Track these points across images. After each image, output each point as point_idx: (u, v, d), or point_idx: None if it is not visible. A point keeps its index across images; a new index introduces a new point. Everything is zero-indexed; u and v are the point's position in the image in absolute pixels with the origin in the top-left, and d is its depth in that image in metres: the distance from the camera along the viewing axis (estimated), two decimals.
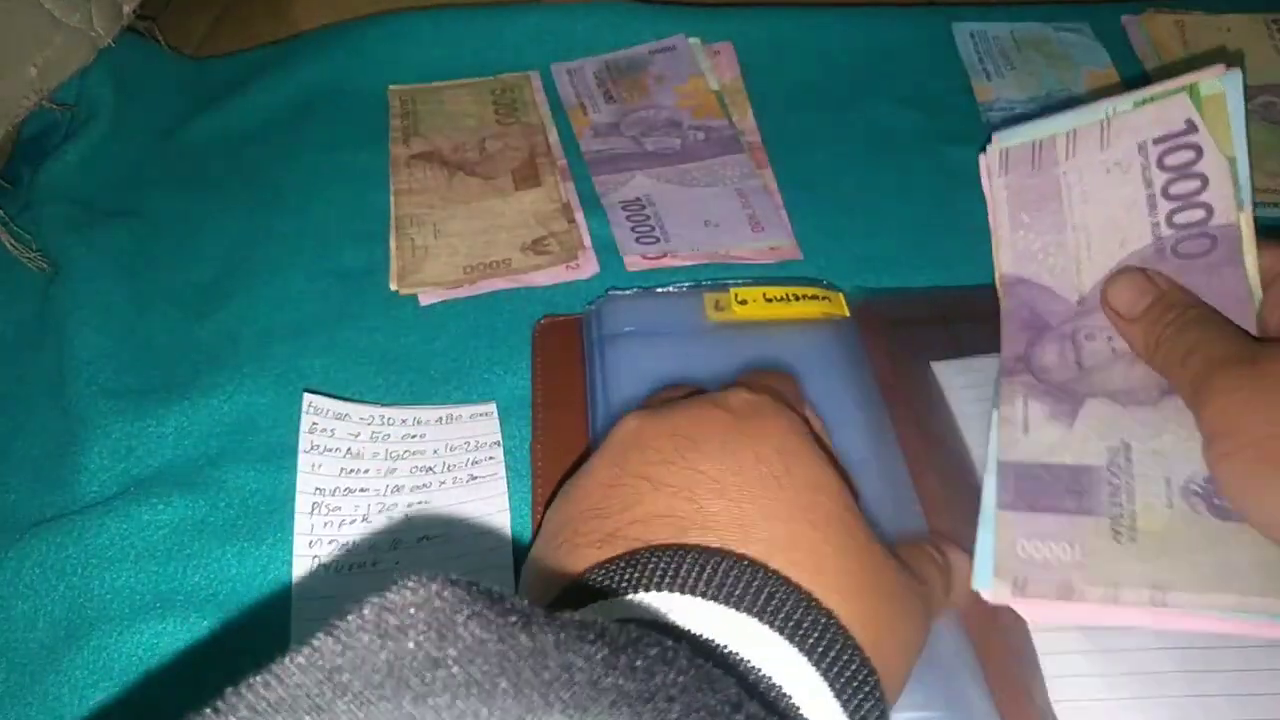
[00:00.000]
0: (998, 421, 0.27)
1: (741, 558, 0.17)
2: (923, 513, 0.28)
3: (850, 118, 0.44)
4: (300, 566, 0.28)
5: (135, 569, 0.29)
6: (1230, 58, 0.46)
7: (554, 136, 0.44)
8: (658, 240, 0.38)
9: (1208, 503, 0.23)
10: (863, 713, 0.17)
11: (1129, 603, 0.23)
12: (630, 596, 0.17)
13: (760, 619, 0.16)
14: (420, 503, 0.30)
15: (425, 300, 0.37)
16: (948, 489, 0.28)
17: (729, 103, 0.45)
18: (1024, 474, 0.25)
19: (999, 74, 0.46)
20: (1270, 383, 0.23)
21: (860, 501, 0.23)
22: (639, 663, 0.13)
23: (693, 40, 0.47)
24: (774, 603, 0.17)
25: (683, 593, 0.16)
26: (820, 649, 0.17)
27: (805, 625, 0.17)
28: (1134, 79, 0.46)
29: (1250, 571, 0.22)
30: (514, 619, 0.12)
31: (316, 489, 0.29)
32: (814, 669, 0.16)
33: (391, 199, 0.41)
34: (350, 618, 0.12)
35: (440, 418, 0.32)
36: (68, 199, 0.39)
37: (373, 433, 0.31)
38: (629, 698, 0.12)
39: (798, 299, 0.33)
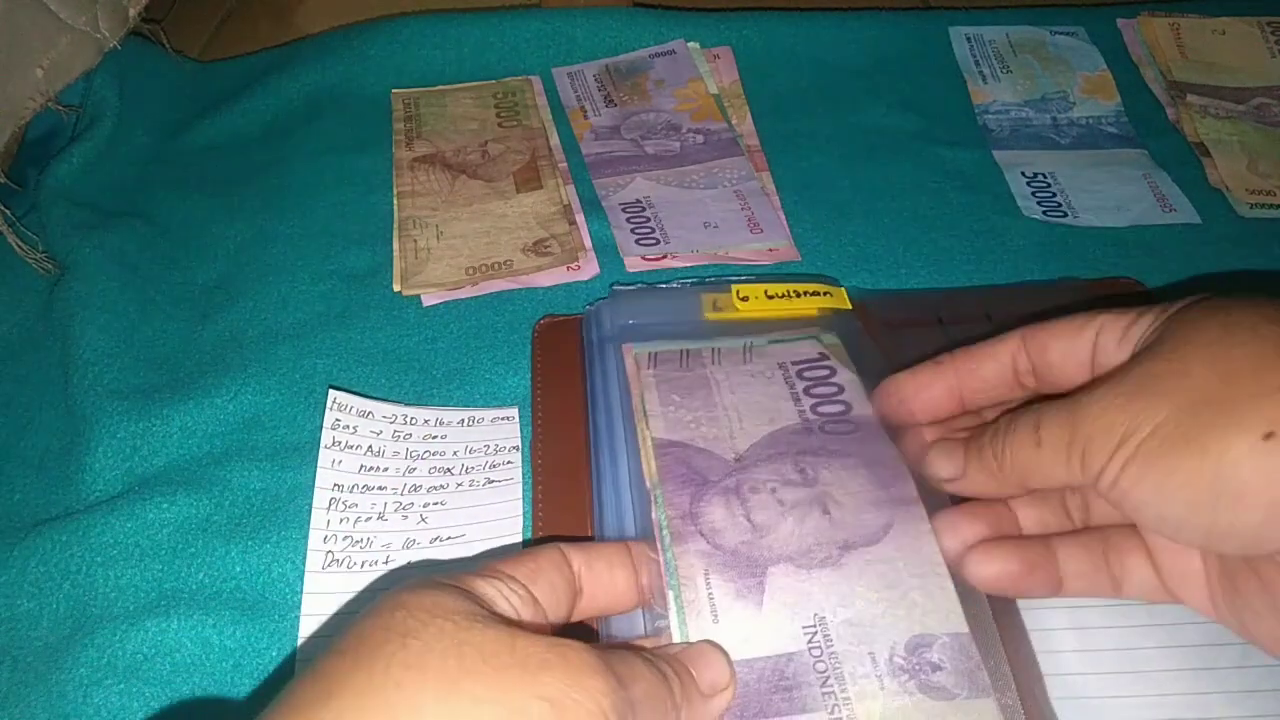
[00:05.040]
0: (680, 608, 0.23)
1: None
2: (922, 506, 0.28)
3: (848, 121, 0.45)
4: (314, 562, 0.28)
5: (140, 567, 0.29)
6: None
7: (555, 139, 0.44)
8: (658, 242, 0.39)
9: (917, 679, 0.22)
10: None
11: None
12: None
13: None
14: (436, 504, 0.30)
15: (428, 301, 0.37)
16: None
17: (728, 106, 0.45)
18: None
19: (995, 77, 0.47)
20: (1152, 376, 0.21)
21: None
22: None
23: (692, 44, 0.48)
24: None
25: None
26: None
27: None
28: (1128, 81, 0.46)
29: None
30: None
31: (335, 485, 0.29)
32: None
33: (394, 201, 0.41)
34: None
35: (463, 419, 0.32)
36: (73, 200, 0.40)
37: (395, 431, 0.31)
38: None
39: (799, 295, 0.33)
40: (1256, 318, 0.21)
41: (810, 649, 0.22)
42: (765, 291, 0.33)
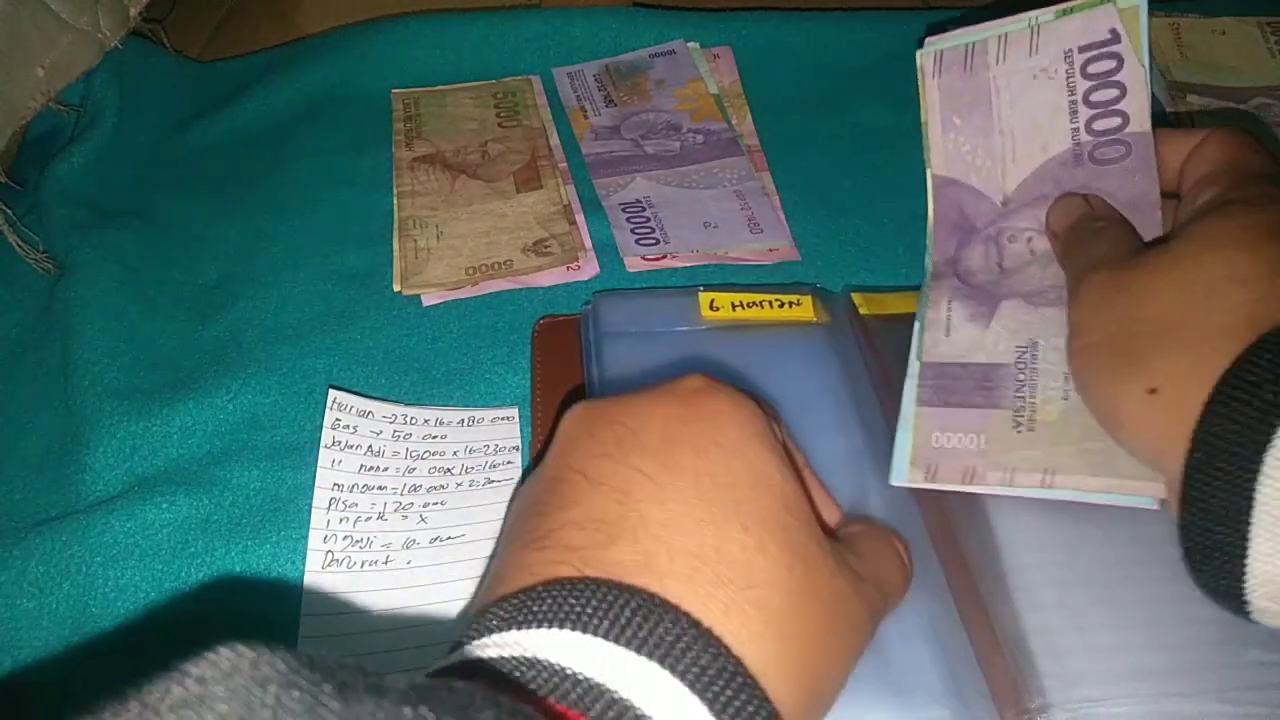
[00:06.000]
0: (923, 324, 0.30)
1: (652, 596, 0.17)
2: (919, 508, 0.28)
3: (848, 120, 0.45)
4: (314, 561, 0.28)
5: (140, 567, 0.29)
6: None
7: (555, 139, 0.44)
8: (658, 242, 0.39)
9: None
10: None
11: (1023, 484, 0.26)
12: (534, 630, 0.16)
13: (661, 664, 0.16)
14: (436, 504, 0.30)
15: (428, 301, 0.37)
16: None
17: (728, 106, 0.45)
18: (942, 373, 0.28)
19: None
20: (1127, 284, 0.24)
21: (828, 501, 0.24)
22: None
23: (692, 44, 0.48)
24: (677, 648, 0.16)
25: (586, 632, 0.16)
26: (723, 696, 0.16)
27: (709, 671, 0.16)
28: None
29: (1128, 459, 0.25)
30: (328, 688, 0.12)
31: (335, 485, 0.29)
32: (710, 713, 0.16)
33: (394, 201, 0.41)
34: (152, 690, 0.12)
35: (463, 419, 0.32)
36: (73, 200, 0.40)
37: (395, 431, 0.31)
38: None
39: (769, 305, 0.33)
40: (1245, 259, 0.22)
41: (1017, 363, 0.27)
42: (731, 302, 0.33)
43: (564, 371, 0.33)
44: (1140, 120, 0.28)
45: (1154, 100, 0.45)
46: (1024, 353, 0.27)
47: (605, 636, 0.16)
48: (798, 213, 0.40)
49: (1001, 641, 0.25)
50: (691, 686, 0.16)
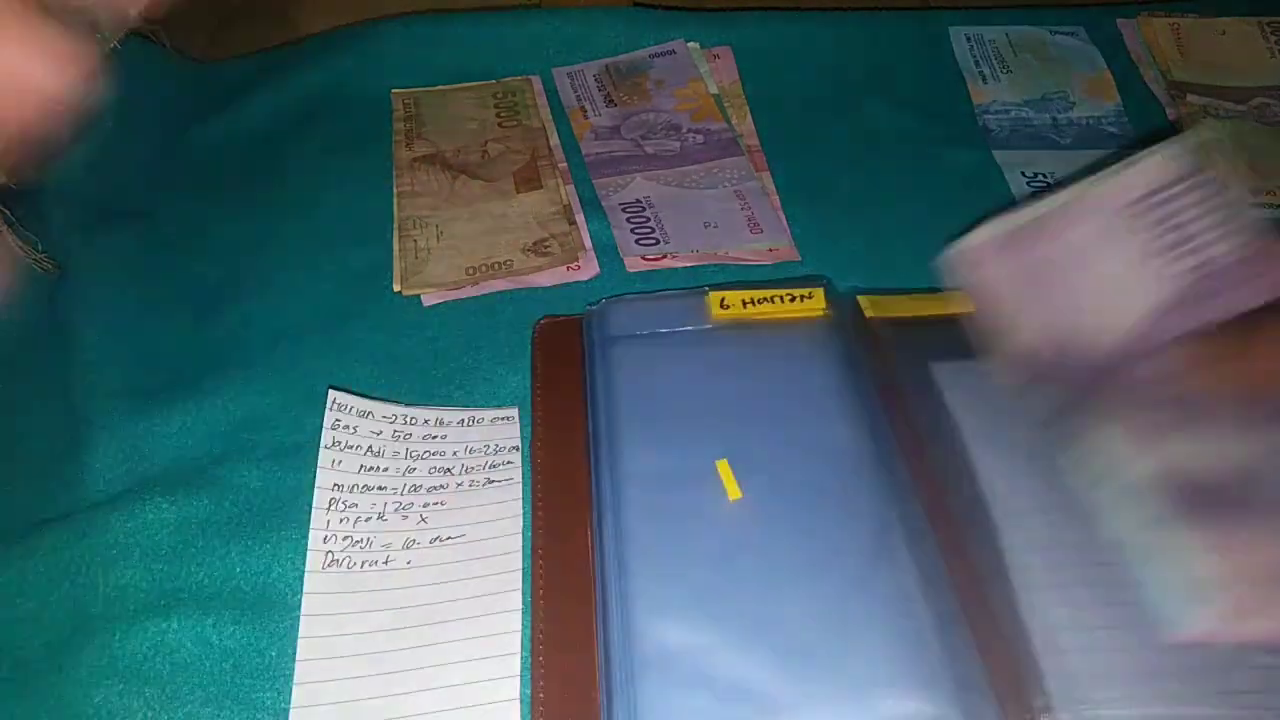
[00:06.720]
0: (1112, 438, 0.23)
1: None
2: (922, 507, 0.28)
3: (848, 120, 0.45)
4: (314, 561, 0.28)
5: (140, 567, 0.29)
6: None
7: (555, 139, 0.44)
8: (657, 242, 0.39)
9: None
10: None
11: None
12: None
13: None
14: (436, 504, 0.30)
15: (428, 301, 0.37)
16: (947, 485, 0.29)
17: (728, 106, 0.45)
18: (1179, 478, 0.21)
19: (994, 77, 0.47)
20: None
21: None
22: None
23: (692, 44, 0.48)
24: None
25: None
26: None
27: None
28: (1128, 81, 0.46)
29: None
30: None
31: (335, 485, 0.29)
32: None
33: (395, 201, 0.41)
34: None
35: (462, 420, 0.32)
36: (73, 200, 0.40)
37: (394, 431, 0.31)
38: None
39: (781, 300, 0.33)
40: None
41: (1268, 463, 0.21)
42: (742, 300, 0.33)
43: (564, 372, 0.33)
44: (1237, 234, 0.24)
45: (1153, 100, 0.46)
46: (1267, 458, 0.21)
47: None
48: (798, 213, 0.40)
49: (1005, 640, 0.25)
50: None
